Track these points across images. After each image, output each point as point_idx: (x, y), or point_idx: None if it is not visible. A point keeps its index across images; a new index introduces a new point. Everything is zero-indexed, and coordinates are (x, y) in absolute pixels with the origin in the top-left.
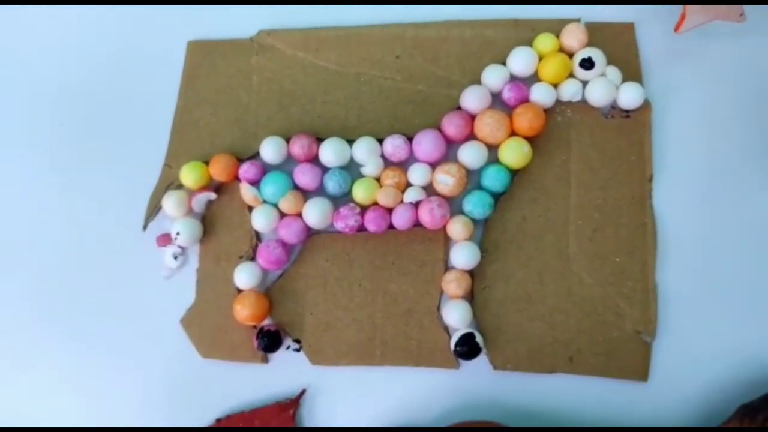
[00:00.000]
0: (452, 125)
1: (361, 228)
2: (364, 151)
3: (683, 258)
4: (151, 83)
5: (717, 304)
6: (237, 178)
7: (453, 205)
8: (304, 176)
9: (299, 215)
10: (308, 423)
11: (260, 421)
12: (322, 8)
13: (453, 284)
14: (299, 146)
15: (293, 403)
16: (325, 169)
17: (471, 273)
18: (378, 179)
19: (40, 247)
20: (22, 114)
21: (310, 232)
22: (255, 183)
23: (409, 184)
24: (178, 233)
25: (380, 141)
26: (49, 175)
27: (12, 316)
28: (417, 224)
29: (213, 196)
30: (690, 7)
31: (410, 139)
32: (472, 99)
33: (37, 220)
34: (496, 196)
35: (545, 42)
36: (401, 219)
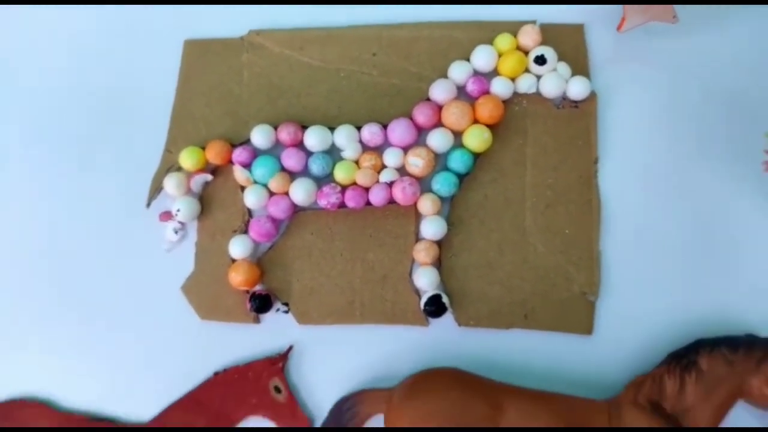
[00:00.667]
0: (422, 114)
1: (342, 205)
2: (344, 137)
3: (624, 229)
4: (151, 79)
5: (652, 269)
6: (230, 162)
7: (423, 184)
8: (291, 159)
9: (286, 194)
10: (295, 376)
11: (253, 373)
12: (306, 9)
13: (422, 253)
14: (286, 133)
15: (282, 357)
16: (309, 153)
17: (438, 243)
18: (356, 162)
19: (55, 224)
20: (40, 110)
21: (296, 209)
22: (247, 165)
23: (384, 166)
24: (178, 210)
25: (358, 128)
26: (64, 164)
27: (30, 284)
28: (391, 201)
29: (209, 177)
30: (629, 9)
31: (385, 127)
32: (439, 91)
33: (53, 201)
34: (461, 177)
35: (504, 41)
36: (377, 196)
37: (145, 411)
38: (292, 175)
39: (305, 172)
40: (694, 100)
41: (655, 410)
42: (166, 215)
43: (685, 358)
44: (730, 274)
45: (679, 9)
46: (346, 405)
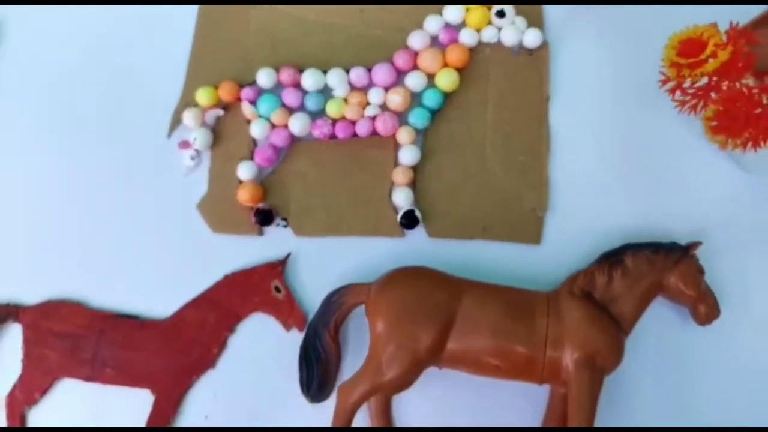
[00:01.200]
0: (401, 59)
1: (333, 136)
2: (335, 78)
3: (569, 157)
4: (170, 36)
5: (592, 189)
6: (239, 99)
7: (401, 118)
8: (290, 97)
9: (286, 126)
10: (292, 278)
11: (257, 275)
12: None
13: (400, 176)
14: (286, 75)
15: (281, 263)
16: (305, 92)
17: (413, 168)
18: (345, 99)
19: (92, 153)
20: (79, 59)
21: (293, 139)
22: (253, 102)
23: (368, 103)
24: (195, 139)
25: (347, 71)
26: (101, 103)
27: (70, 203)
28: (374, 133)
29: (221, 112)
30: None
31: (370, 70)
32: (416, 40)
33: (91, 134)
34: (433, 112)
35: None
36: (362, 128)
37: (164, 309)
38: (291, 111)
39: (302, 108)
40: (627, 49)
41: (586, 298)
42: (185, 144)
43: (614, 256)
44: (656, 194)
45: None
46: (334, 297)
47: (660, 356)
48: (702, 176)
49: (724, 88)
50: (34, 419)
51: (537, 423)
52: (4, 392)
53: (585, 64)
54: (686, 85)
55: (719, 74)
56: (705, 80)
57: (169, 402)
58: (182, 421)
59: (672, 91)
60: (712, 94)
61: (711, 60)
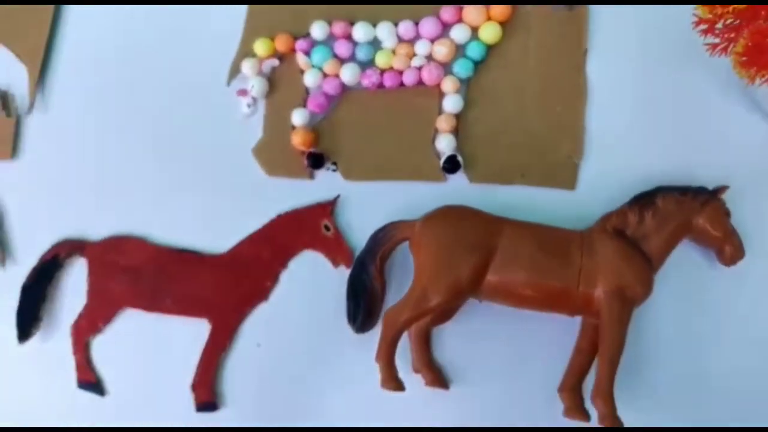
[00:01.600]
0: (447, 13)
1: (381, 85)
2: (384, 31)
3: (605, 107)
4: None
5: (627, 138)
6: (294, 50)
7: (445, 68)
8: (342, 48)
9: (337, 75)
10: (340, 219)
11: (308, 214)
12: None
13: (444, 123)
14: (338, 28)
15: (331, 203)
16: (356, 44)
17: (456, 116)
18: (393, 51)
19: (160, 99)
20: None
21: (344, 88)
22: (307, 53)
23: (415, 54)
24: (252, 86)
25: (396, 24)
26: (169, 56)
27: (137, 146)
28: (420, 82)
29: (276, 62)
30: None
31: (417, 24)
32: None
33: (161, 83)
34: (476, 63)
35: None
36: (409, 78)
37: (221, 245)
38: (342, 61)
39: (352, 58)
40: (660, 7)
41: (619, 235)
42: (242, 92)
43: (645, 197)
44: (687, 143)
45: None
46: (381, 233)
47: (687, 292)
48: (730, 128)
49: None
50: (98, 346)
51: (569, 351)
52: (71, 322)
53: (621, 20)
54: (718, 25)
55: (748, 13)
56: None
57: (225, 331)
58: (236, 349)
59: (704, 32)
60: (743, 32)
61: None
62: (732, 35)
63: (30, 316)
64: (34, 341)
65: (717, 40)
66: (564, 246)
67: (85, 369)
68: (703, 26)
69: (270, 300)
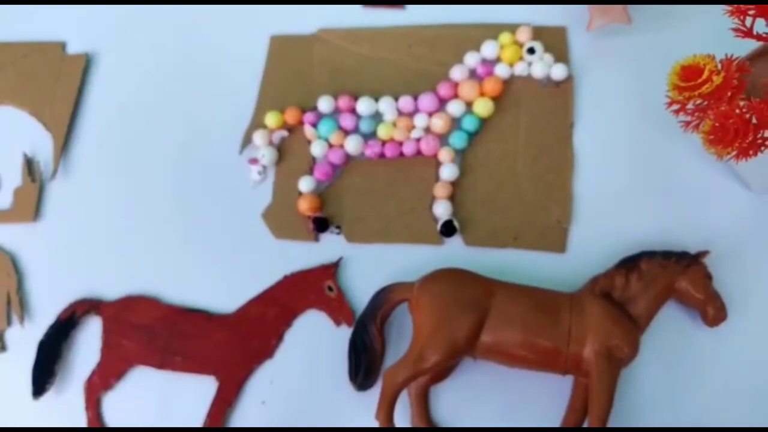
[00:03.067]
0: (443, 89)
1: (382, 155)
2: (385, 105)
3: (592, 175)
4: (244, 64)
5: (612, 204)
6: (302, 122)
7: (442, 140)
8: (346, 121)
9: (342, 146)
10: (343, 280)
11: (312, 276)
12: (360, 12)
13: (440, 190)
14: (343, 102)
15: (334, 265)
16: (359, 117)
17: (452, 183)
18: (394, 123)
19: (174, 166)
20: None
21: (348, 158)
22: (314, 125)
23: (414, 127)
24: (262, 156)
25: (396, 99)
26: (184, 126)
27: (149, 210)
28: (418, 153)
29: (286, 134)
30: (593, 11)
31: (416, 98)
32: (456, 73)
33: (176, 150)
34: (471, 135)
35: (505, 38)
36: (408, 148)
37: (230, 305)
38: (347, 133)
39: (356, 130)
40: (642, 82)
41: (606, 298)
42: (254, 160)
43: (631, 261)
44: (670, 209)
45: (636, 10)
46: (381, 294)
47: (672, 353)
48: (712, 195)
49: (721, 108)
50: (109, 403)
51: (562, 410)
52: (84, 378)
53: (605, 94)
54: (689, 106)
55: (714, 96)
56: (705, 103)
57: (231, 387)
58: (241, 406)
59: (676, 112)
60: (709, 113)
61: (707, 84)
62: (700, 115)
63: (45, 371)
64: (49, 396)
65: (689, 119)
66: (554, 307)
67: (96, 424)
68: (675, 107)
69: (275, 357)
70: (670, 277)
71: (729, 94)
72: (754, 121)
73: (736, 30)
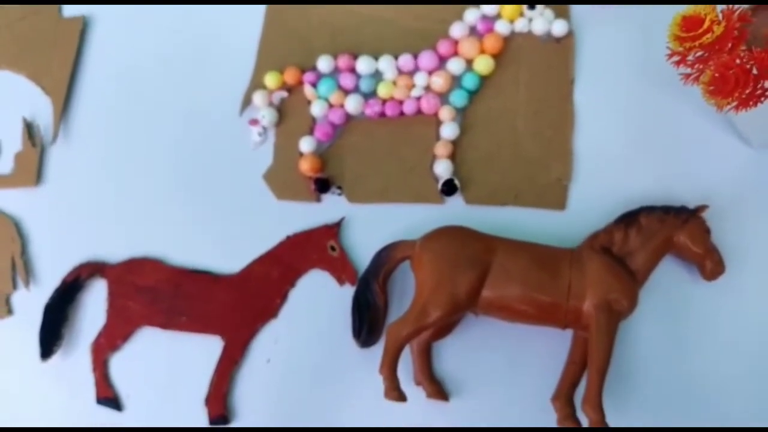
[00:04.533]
0: (443, 47)
1: (382, 114)
2: (385, 64)
3: (591, 131)
4: (243, 28)
5: (612, 160)
6: (301, 82)
7: (442, 98)
8: (346, 80)
9: (342, 106)
10: (345, 239)
11: (315, 235)
12: None
13: (441, 149)
14: (343, 61)
15: (336, 225)
16: (359, 76)
17: (453, 142)
18: (394, 82)
19: (177, 129)
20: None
21: (348, 118)
22: (314, 85)
23: (414, 85)
24: (263, 117)
25: (396, 58)
26: (186, 89)
27: (154, 173)
28: (419, 112)
29: (285, 94)
30: None
31: (416, 57)
32: (456, 30)
33: (178, 114)
34: (471, 93)
35: None
36: (409, 107)
37: (234, 265)
38: (347, 92)
39: (356, 89)
40: (642, 37)
41: (605, 253)
42: (254, 122)
43: (630, 216)
44: (669, 165)
45: None
46: (383, 252)
47: (670, 307)
48: (711, 150)
49: (721, 58)
50: (116, 364)
51: (562, 364)
52: (90, 340)
53: (606, 50)
54: (689, 58)
55: (715, 47)
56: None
57: (236, 347)
58: (247, 365)
59: (677, 63)
60: (710, 64)
61: (708, 34)
62: (701, 66)
63: (52, 334)
64: (56, 358)
65: (689, 71)
66: (554, 263)
67: (103, 385)
68: (675, 58)
69: (279, 317)
70: (669, 231)
71: (730, 44)
72: (754, 71)
73: None
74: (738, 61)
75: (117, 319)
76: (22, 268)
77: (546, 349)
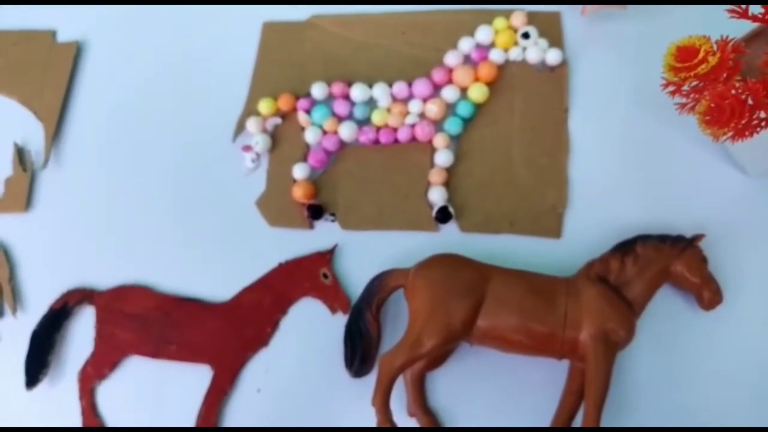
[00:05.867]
0: (437, 75)
1: (376, 141)
2: (379, 91)
3: (586, 159)
4: (237, 52)
5: (607, 188)
6: (295, 109)
7: (437, 126)
8: (340, 107)
9: (336, 132)
10: (338, 267)
11: (307, 263)
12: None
13: (435, 176)
14: (337, 88)
15: (329, 252)
16: (353, 103)
17: (447, 170)
18: (388, 110)
19: (168, 155)
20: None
21: (342, 145)
22: (307, 112)
23: (408, 113)
24: (256, 143)
25: (390, 85)
26: (178, 114)
27: (144, 200)
28: (413, 139)
29: (279, 120)
30: None
31: (410, 84)
32: (451, 58)
33: (169, 140)
34: (465, 121)
35: (499, 23)
36: (403, 134)
37: (224, 293)
38: (341, 119)
39: (350, 117)
40: (637, 66)
41: (602, 282)
42: (247, 148)
43: (626, 245)
44: (665, 193)
45: None
46: (376, 280)
47: (668, 337)
48: (707, 178)
49: (716, 88)
50: (103, 393)
51: (558, 395)
52: (77, 368)
53: (600, 79)
54: (685, 87)
55: (710, 77)
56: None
57: (226, 376)
58: (237, 395)
59: (672, 93)
60: (705, 94)
61: (703, 65)
62: (696, 96)
63: (38, 362)
64: (42, 387)
65: (684, 100)
66: (550, 292)
67: (90, 415)
68: (670, 88)
69: (270, 345)
70: (666, 261)
71: (725, 74)
72: (749, 101)
73: (731, 11)
74: (733, 91)
75: (105, 347)
76: (10, 294)
77: (542, 380)
